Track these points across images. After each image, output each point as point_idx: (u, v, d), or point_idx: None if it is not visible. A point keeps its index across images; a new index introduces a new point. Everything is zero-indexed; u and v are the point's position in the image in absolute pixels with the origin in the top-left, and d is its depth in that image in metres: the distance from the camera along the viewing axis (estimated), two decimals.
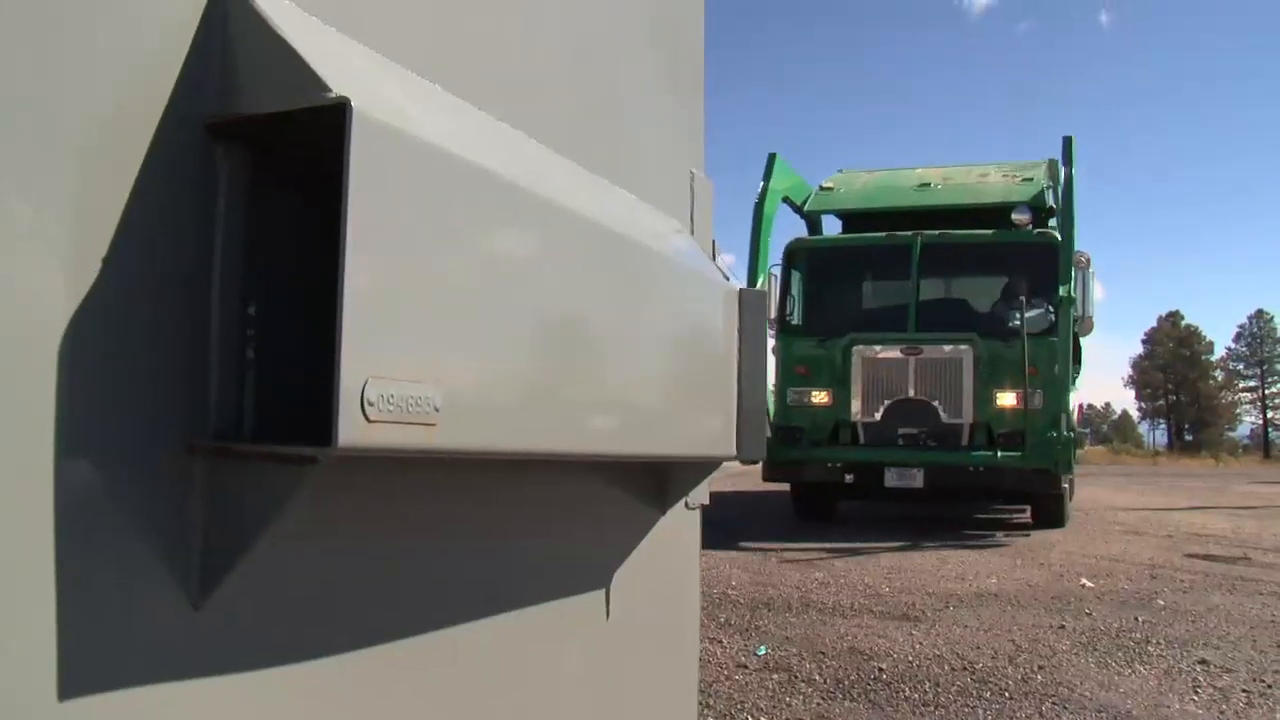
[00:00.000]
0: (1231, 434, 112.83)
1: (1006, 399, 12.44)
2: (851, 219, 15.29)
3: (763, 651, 6.06)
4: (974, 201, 14.27)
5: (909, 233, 13.57)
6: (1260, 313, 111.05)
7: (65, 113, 0.86)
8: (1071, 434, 12.65)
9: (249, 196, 1.00)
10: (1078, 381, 18.03)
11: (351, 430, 0.86)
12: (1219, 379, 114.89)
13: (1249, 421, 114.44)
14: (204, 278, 0.97)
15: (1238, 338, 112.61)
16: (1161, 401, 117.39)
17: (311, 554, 1.07)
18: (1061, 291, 12.46)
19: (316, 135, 0.94)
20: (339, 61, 1.02)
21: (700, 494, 1.99)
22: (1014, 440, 12.16)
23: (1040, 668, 5.77)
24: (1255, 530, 14.36)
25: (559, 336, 1.20)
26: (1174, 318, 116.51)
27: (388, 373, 0.90)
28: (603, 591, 1.70)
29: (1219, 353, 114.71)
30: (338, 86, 0.91)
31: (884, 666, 5.73)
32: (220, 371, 0.97)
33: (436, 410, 0.96)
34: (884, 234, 13.83)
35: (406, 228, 0.94)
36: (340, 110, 0.89)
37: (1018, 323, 12.26)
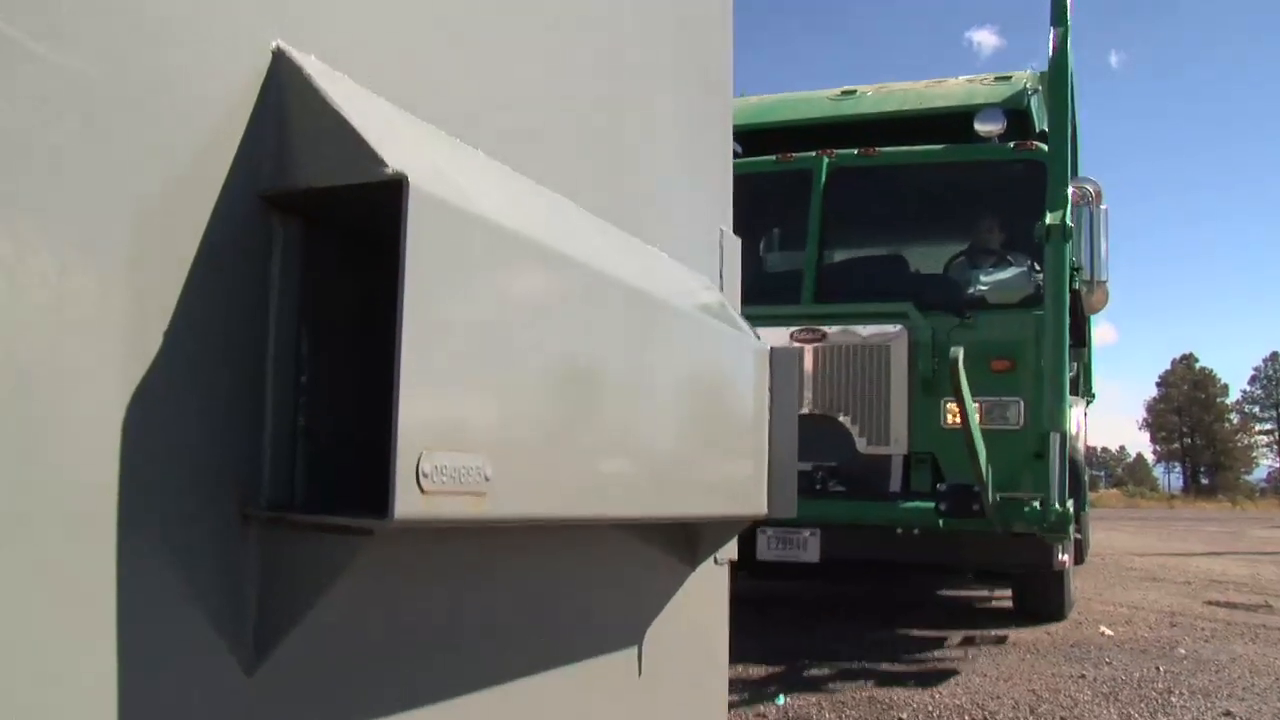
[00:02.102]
0: (1248, 477, 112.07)
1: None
2: (744, 143, 9.40)
3: (782, 701, 6.02)
4: (917, 108, 9.00)
5: (810, 153, 8.42)
6: (1276, 355, 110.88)
7: (124, 185, 0.87)
8: (1074, 470, 7.65)
9: (303, 266, 1.02)
10: (1088, 390, 14.12)
11: (407, 502, 0.88)
12: (1234, 422, 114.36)
13: (1266, 464, 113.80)
14: (259, 348, 0.99)
15: (1253, 380, 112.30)
16: (1176, 445, 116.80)
17: (359, 620, 1.08)
18: (1047, 224, 6.67)
19: (371, 206, 0.96)
20: (392, 133, 1.04)
21: (729, 549, 1.99)
22: (966, 492, 6.62)
23: (1062, 719, 5.71)
24: (1275, 576, 14.23)
25: (601, 402, 1.21)
26: (1188, 360, 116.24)
27: (442, 444, 0.92)
28: (635, 649, 1.70)
29: (1234, 395, 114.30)
30: (393, 161, 0.93)
31: (904, 717, 5.69)
32: (274, 440, 0.98)
33: (487, 480, 0.97)
34: (772, 157, 8.63)
35: (459, 301, 0.96)
36: (396, 185, 0.91)
37: (982, 288, 7.82)
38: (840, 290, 8.19)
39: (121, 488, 0.85)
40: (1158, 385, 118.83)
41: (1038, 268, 7.53)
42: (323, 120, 0.98)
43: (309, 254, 1.02)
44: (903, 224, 9.30)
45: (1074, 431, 8.13)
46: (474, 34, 1.32)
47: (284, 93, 1.01)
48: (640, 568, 1.71)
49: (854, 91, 9.50)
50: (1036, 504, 6.58)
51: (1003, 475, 6.78)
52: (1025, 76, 9.11)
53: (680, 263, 1.72)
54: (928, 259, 9.12)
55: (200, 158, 0.95)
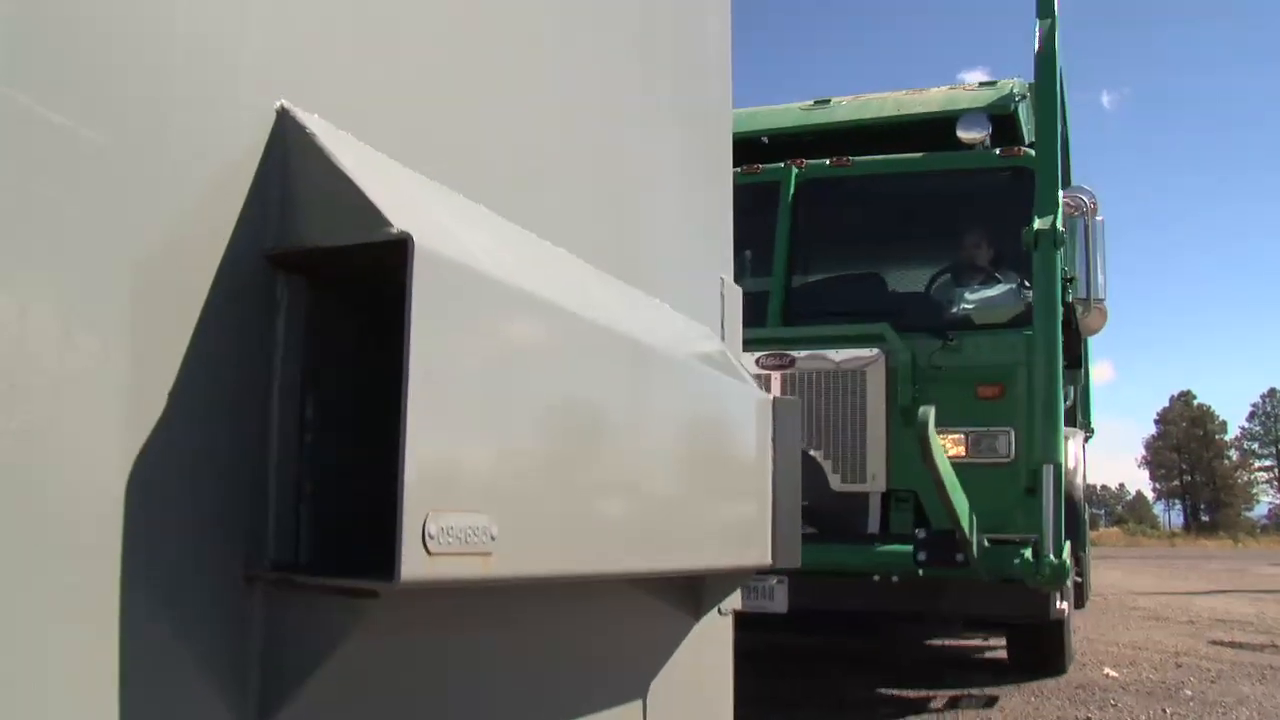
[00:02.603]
0: (1249, 514, 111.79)
1: (946, 444, 6.25)
2: None
3: None
4: (895, 114, 8.11)
5: (778, 164, 7.68)
6: (1274, 391, 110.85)
7: (128, 245, 0.87)
8: (1072, 508, 7.23)
9: (307, 326, 1.01)
10: (1087, 423, 12.79)
11: (413, 564, 0.87)
12: (1234, 459, 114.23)
13: (1266, 501, 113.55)
14: (263, 407, 0.98)
15: (1251, 416, 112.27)
16: (1176, 482, 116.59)
17: (363, 677, 1.07)
18: (1035, 229, 6.15)
19: (376, 264, 0.96)
20: (396, 191, 1.04)
21: (733, 600, 1.98)
22: (947, 538, 5.88)
23: None
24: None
25: (606, 458, 1.21)
26: (1186, 397, 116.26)
27: (448, 504, 0.91)
28: (640, 702, 1.68)
29: (1233, 432, 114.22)
30: (398, 220, 0.93)
31: None
32: (278, 500, 0.98)
33: (493, 539, 0.97)
34: (737, 169, 4.77)
35: (465, 361, 0.96)
36: (402, 245, 0.91)
37: (967, 306, 7.07)
38: (811, 312, 7.44)
39: (125, 547, 0.85)
40: (1156, 422, 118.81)
41: (1028, 285, 6.65)
42: (327, 179, 0.98)
43: (313, 313, 1.02)
44: (879, 239, 8.35)
45: (1071, 466, 7.43)
46: (476, 90, 1.33)
47: (288, 152, 1.01)
48: (644, 619, 1.70)
49: (828, 101, 8.57)
50: (1028, 552, 5.82)
51: (992, 514, 6.07)
52: (1012, 83, 8.04)
53: (682, 313, 1.73)
54: (907, 277, 8.21)
55: (205, 217, 0.95)
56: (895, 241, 8.39)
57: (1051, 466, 5.81)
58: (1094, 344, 11.28)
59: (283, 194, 1.00)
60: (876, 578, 6.35)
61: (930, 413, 5.28)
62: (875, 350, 6.85)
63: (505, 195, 1.33)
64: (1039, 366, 6.08)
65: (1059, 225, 6.07)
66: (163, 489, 0.89)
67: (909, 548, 6.07)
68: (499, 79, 1.37)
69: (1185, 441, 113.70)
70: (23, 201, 0.77)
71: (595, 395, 1.19)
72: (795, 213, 7.58)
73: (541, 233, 1.36)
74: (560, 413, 1.11)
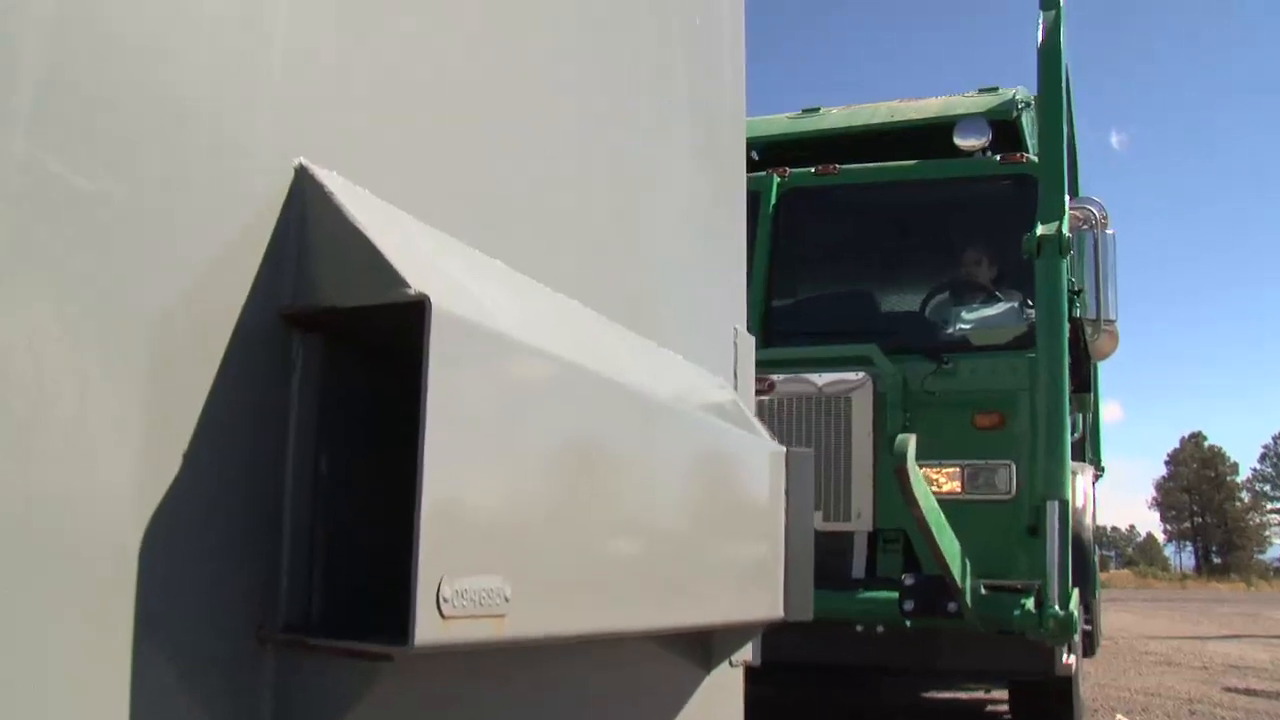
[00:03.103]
0: (1261, 556, 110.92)
1: (939, 478, 5.92)
2: None
3: None
4: (888, 121, 7.48)
5: (759, 173, 6.98)
6: None
7: (144, 302, 0.87)
8: (1080, 550, 6.36)
9: (323, 384, 1.01)
10: (1097, 459, 11.31)
11: (427, 628, 0.86)
12: (1245, 500, 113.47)
13: (1279, 543, 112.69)
14: (277, 466, 0.98)
15: (1263, 458, 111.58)
16: (1187, 524, 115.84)
17: None
18: (1039, 234, 5.39)
19: (393, 323, 0.96)
20: (413, 249, 1.04)
21: (744, 652, 1.96)
22: (937, 585, 5.32)
23: None
24: None
25: (619, 515, 1.20)
26: (1197, 438, 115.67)
27: (462, 567, 0.90)
28: None
29: (1244, 474, 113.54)
30: (415, 280, 0.93)
31: None
32: (291, 560, 0.97)
33: (506, 600, 0.96)
34: None
35: (481, 422, 0.95)
36: (419, 306, 0.91)
37: (964, 326, 6.41)
38: (792, 331, 6.74)
39: (137, 606, 0.84)
40: (1166, 463, 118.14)
41: (1031, 304, 5.98)
42: (345, 238, 0.98)
43: (329, 370, 1.02)
44: (869, 254, 7.50)
45: (1080, 504, 6.63)
46: (492, 143, 1.33)
47: (306, 210, 1.01)
48: (654, 671, 1.69)
49: (817, 110, 7.96)
50: (1030, 602, 5.10)
51: (991, 557, 5.49)
52: (1015, 91, 7.38)
53: (695, 363, 1.72)
54: (899, 294, 7.54)
55: (222, 274, 0.95)
56: (886, 256, 7.57)
57: (1056, 503, 5.06)
58: (1103, 383, 10.40)
59: (300, 251, 1.01)
60: (860, 628, 5.68)
61: (909, 443, 4.63)
62: (861, 374, 6.19)
63: (520, 248, 1.33)
64: (1042, 390, 5.33)
65: (1065, 231, 5.36)
66: (176, 548, 0.88)
67: (895, 594, 5.48)
68: (515, 132, 1.38)
69: (1196, 483, 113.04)
70: (42, 260, 0.78)
71: (609, 455, 1.19)
72: (777, 225, 6.90)
73: (556, 285, 1.36)
74: (575, 473, 1.11)
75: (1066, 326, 5.41)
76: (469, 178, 1.29)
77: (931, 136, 6.94)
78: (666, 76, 1.80)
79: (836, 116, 7.78)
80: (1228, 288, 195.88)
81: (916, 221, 7.24)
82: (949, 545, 4.97)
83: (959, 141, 6.67)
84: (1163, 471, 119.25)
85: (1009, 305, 6.41)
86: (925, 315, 6.82)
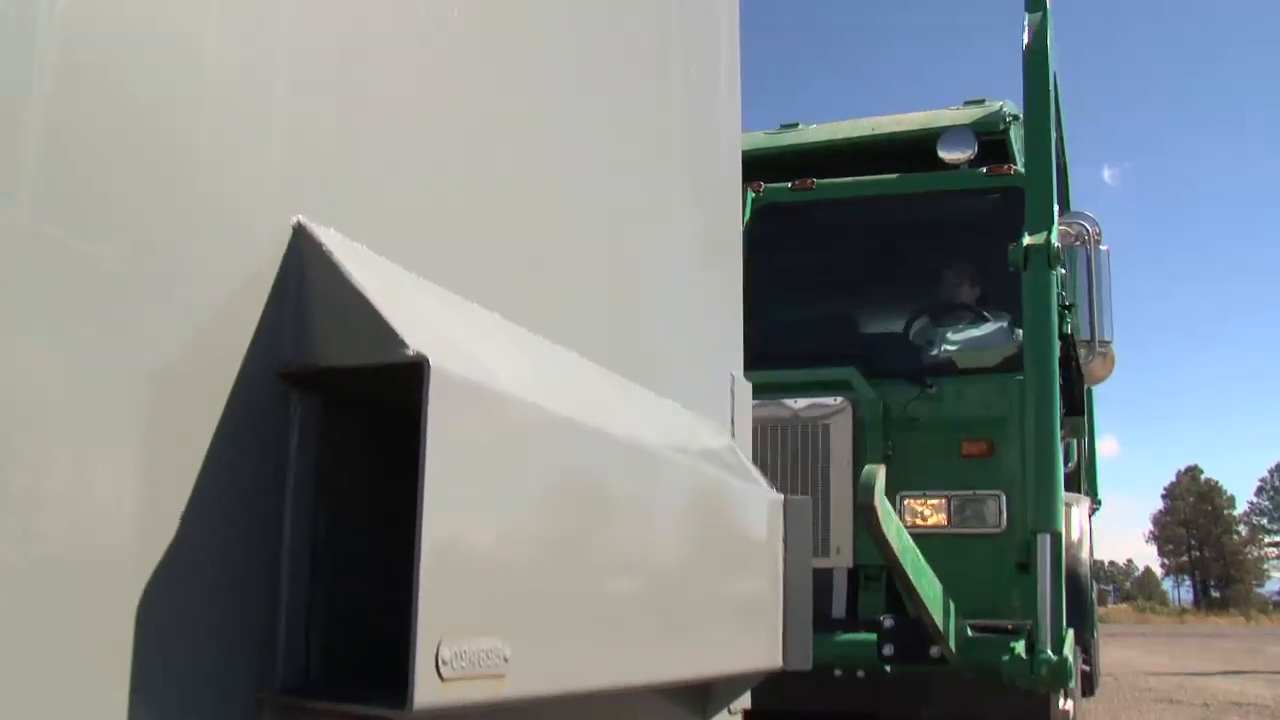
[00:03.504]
0: (1260, 590, 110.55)
1: (924, 510, 5.65)
2: None
3: None
4: (869, 135, 6.99)
5: None
6: None
7: (142, 362, 0.87)
8: (1076, 587, 5.78)
9: (321, 444, 1.01)
10: (1094, 491, 10.49)
11: (426, 691, 0.86)
12: (1243, 534, 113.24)
13: (1278, 577, 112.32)
14: (275, 526, 0.98)
15: (1259, 491, 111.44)
16: (1185, 558, 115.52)
17: None
18: (1026, 244, 5.00)
19: (391, 382, 0.96)
20: (411, 306, 1.04)
21: (743, 700, 1.95)
22: (918, 628, 4.89)
23: None
24: None
25: (618, 570, 1.20)
26: (1193, 472, 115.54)
27: (461, 629, 0.90)
28: None
29: (1241, 507, 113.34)
30: (413, 340, 0.93)
31: None
32: (289, 620, 0.97)
33: (506, 660, 0.95)
34: None
35: (480, 482, 0.95)
36: (418, 366, 0.91)
37: (950, 348, 5.95)
38: (767, 354, 5.61)
39: (134, 665, 0.84)
40: (1163, 497, 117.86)
41: (1020, 324, 5.40)
42: (343, 298, 0.98)
43: (327, 429, 1.02)
44: (848, 272, 7.02)
45: (1075, 537, 6.18)
46: (489, 196, 1.34)
47: (304, 268, 1.01)
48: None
49: (795, 125, 7.52)
50: (1020, 646, 4.68)
51: (979, 594, 5.16)
52: (1002, 104, 6.91)
53: (693, 410, 1.72)
54: (880, 315, 7.05)
55: (220, 334, 0.95)
56: (866, 275, 7.05)
57: (1048, 537, 4.64)
58: (1098, 416, 9.75)
59: (298, 310, 1.01)
60: (839, 672, 5.21)
61: (877, 477, 4.17)
62: (840, 399, 5.73)
63: (518, 300, 1.33)
64: (1032, 415, 4.88)
65: (1054, 241, 4.95)
66: (170, 609, 0.88)
67: (869, 635, 5.07)
68: (512, 185, 1.38)
69: (1193, 517, 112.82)
70: (41, 321, 0.78)
71: (608, 513, 1.19)
72: (751, 242, 5.83)
73: (554, 335, 1.36)
74: (574, 531, 1.11)
75: (1057, 345, 5.01)
76: (466, 231, 1.29)
77: (915, 151, 6.51)
78: (664, 128, 1.82)
79: (815, 131, 7.35)
80: (1221, 320, 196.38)
81: (898, 238, 6.83)
82: (928, 587, 4.59)
83: (943, 154, 6.28)
84: (1159, 505, 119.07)
85: (997, 325, 5.94)
86: (908, 336, 6.36)
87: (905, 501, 5.60)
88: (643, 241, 1.72)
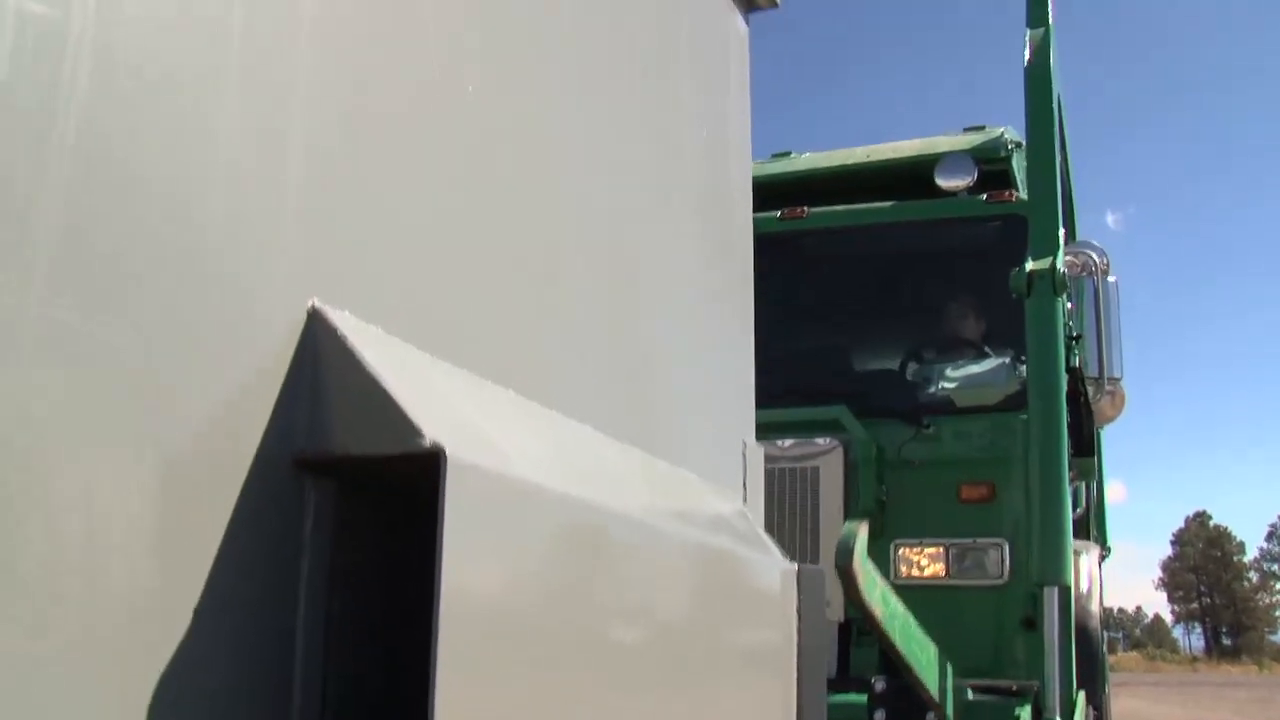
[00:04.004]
0: (1273, 637, 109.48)
1: (920, 560, 5.24)
2: None
3: None
4: (864, 162, 6.59)
5: None
6: None
7: (157, 446, 0.87)
8: (1086, 643, 5.49)
9: (336, 530, 1.01)
10: (1103, 537, 9.58)
11: None
12: (1254, 580, 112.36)
13: None
14: (289, 612, 0.97)
15: (1270, 537, 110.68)
16: (1195, 605, 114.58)
17: None
18: (1029, 269, 4.71)
19: (406, 466, 0.96)
20: (426, 391, 1.04)
21: None
22: (912, 691, 4.39)
23: None
24: None
25: (634, 651, 1.19)
26: (1202, 518, 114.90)
27: (478, 716, 0.89)
28: None
29: (1251, 553, 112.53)
30: (430, 429, 0.92)
31: None
32: (302, 707, 0.96)
33: None
34: None
35: (496, 567, 0.95)
36: (434, 456, 0.90)
37: (948, 385, 5.62)
38: (754, 392, 4.63)
39: None
40: (1172, 543, 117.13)
41: (1023, 360, 5.08)
42: (358, 384, 0.98)
43: (342, 516, 1.01)
44: (841, 305, 6.57)
45: (1084, 587, 5.75)
46: (500, 272, 1.34)
47: (319, 353, 1.01)
48: None
49: (787, 154, 7.14)
50: (1025, 712, 4.41)
51: (980, 652, 4.80)
52: (1004, 130, 6.46)
53: (706, 478, 1.71)
54: (874, 350, 6.66)
55: (235, 419, 0.95)
56: (860, 308, 6.61)
57: (1056, 590, 4.27)
58: (1105, 458, 9.35)
59: (313, 395, 1.00)
60: None
61: (857, 536, 3.77)
62: (830, 439, 5.34)
63: (531, 374, 1.33)
64: (1037, 455, 4.49)
65: (1060, 267, 4.58)
66: (186, 694, 0.87)
67: (858, 695, 4.72)
68: (522, 259, 1.39)
69: (1203, 563, 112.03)
70: (56, 404, 0.77)
71: (624, 593, 1.18)
72: None
73: (568, 408, 1.36)
74: (589, 613, 1.10)
75: (1064, 379, 4.64)
76: (478, 307, 1.29)
77: (912, 179, 6.08)
78: (675, 198, 1.82)
79: (808, 160, 6.94)
80: (1226, 364, 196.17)
81: (894, 270, 6.41)
82: (919, 653, 4.23)
83: (941, 181, 5.79)
84: (1168, 551, 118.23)
85: (999, 361, 5.55)
86: (903, 373, 5.95)
87: (900, 550, 5.25)
88: (657, 312, 1.72)
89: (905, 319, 6.53)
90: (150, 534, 0.85)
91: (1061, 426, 4.50)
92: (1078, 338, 5.45)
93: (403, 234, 1.17)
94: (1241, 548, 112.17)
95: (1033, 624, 4.54)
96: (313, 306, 1.02)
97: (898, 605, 4.05)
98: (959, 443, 5.38)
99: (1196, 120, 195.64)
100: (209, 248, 0.92)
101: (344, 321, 1.03)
